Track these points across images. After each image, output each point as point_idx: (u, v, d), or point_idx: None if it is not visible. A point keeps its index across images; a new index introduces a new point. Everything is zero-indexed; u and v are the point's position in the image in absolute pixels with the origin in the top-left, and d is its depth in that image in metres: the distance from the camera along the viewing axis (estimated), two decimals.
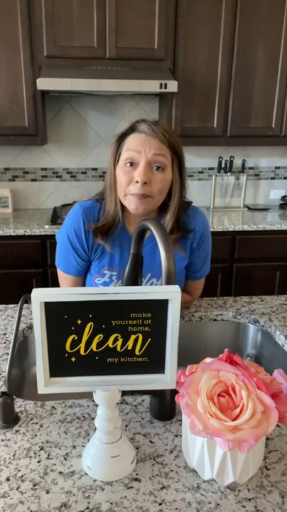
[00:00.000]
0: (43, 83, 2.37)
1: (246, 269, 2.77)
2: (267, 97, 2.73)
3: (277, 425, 0.89)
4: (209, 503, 0.72)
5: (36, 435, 0.86)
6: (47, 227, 2.54)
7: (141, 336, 0.70)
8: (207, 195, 3.13)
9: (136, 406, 0.95)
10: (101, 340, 0.70)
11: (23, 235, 2.51)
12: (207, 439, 0.70)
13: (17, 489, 0.74)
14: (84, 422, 0.90)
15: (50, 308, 0.67)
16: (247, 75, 2.68)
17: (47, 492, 0.73)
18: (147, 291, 0.68)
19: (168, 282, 0.82)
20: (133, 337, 0.70)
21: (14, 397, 0.94)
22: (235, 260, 2.76)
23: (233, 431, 0.66)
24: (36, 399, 0.97)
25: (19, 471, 0.78)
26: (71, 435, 0.86)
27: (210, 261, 1.40)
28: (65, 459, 0.80)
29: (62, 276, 1.34)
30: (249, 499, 0.73)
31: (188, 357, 1.12)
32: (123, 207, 1.22)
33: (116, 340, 0.70)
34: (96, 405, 0.90)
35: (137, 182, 1.12)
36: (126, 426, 0.89)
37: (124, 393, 0.99)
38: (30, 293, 0.67)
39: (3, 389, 0.98)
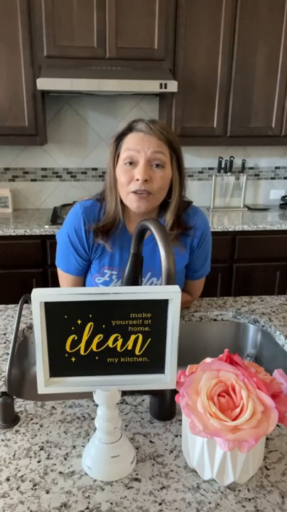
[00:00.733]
0: (43, 83, 2.37)
1: (246, 269, 2.77)
2: (267, 97, 2.73)
3: (277, 425, 0.89)
4: (209, 503, 0.72)
5: (36, 435, 0.86)
6: (47, 227, 2.54)
7: (141, 336, 0.70)
8: (207, 195, 3.13)
9: (136, 406, 0.95)
10: (101, 340, 0.70)
11: (23, 235, 2.51)
12: (207, 439, 0.70)
13: (17, 489, 0.74)
14: (84, 422, 0.90)
15: (50, 308, 0.67)
16: (247, 75, 2.68)
17: (47, 492, 0.73)
18: (147, 291, 0.68)
19: (168, 282, 0.82)
20: (133, 337, 0.70)
21: (14, 397, 0.94)
22: (235, 260, 2.76)
23: (233, 431, 0.66)
24: (36, 399, 0.97)
25: (19, 471, 0.78)
26: (71, 435, 0.86)
27: (210, 261, 1.40)
28: (65, 459, 0.80)
29: (62, 275, 1.35)
30: (249, 499, 0.73)
31: (188, 357, 1.12)
32: (123, 207, 1.22)
33: (116, 340, 0.70)
34: (96, 405, 0.90)
35: (137, 180, 1.13)
36: (126, 426, 0.89)
37: (124, 393, 0.99)
38: (30, 293, 0.67)
39: (3, 389, 0.98)
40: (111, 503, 0.71)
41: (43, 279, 2.60)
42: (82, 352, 0.70)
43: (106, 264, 1.27)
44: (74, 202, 2.90)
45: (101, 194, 1.27)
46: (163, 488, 0.74)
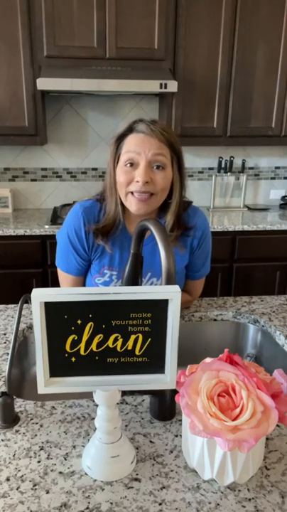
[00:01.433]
0: (43, 83, 2.37)
1: (246, 269, 2.77)
2: (267, 97, 2.73)
3: (277, 425, 0.89)
4: (209, 503, 0.72)
5: (36, 435, 0.86)
6: (47, 227, 2.54)
7: (141, 336, 0.70)
8: (207, 195, 3.13)
9: (136, 406, 0.95)
10: (101, 340, 0.70)
11: (23, 235, 2.51)
12: (207, 439, 0.70)
13: (17, 489, 0.74)
14: (84, 422, 0.90)
15: (50, 308, 0.67)
16: (247, 75, 2.68)
17: (47, 492, 0.73)
18: (147, 291, 0.68)
19: (168, 282, 0.82)
20: (133, 337, 0.70)
21: (14, 397, 0.94)
22: (235, 260, 2.76)
23: (233, 431, 0.66)
24: (36, 399, 0.97)
25: (19, 471, 0.78)
26: (71, 435, 0.86)
27: (210, 261, 1.40)
28: (65, 459, 0.80)
29: (62, 275, 1.35)
30: (249, 499, 0.73)
31: (188, 357, 1.12)
32: (123, 207, 1.22)
33: (116, 340, 0.70)
34: (96, 405, 0.90)
35: (138, 182, 1.12)
36: (126, 426, 0.89)
37: (124, 393, 0.99)
38: (30, 293, 0.67)
39: (3, 389, 0.98)
40: (111, 503, 0.71)
41: (43, 279, 2.60)
42: (82, 352, 0.70)
43: (106, 264, 1.27)
44: (74, 202, 2.89)
45: (101, 194, 1.27)
46: (163, 488, 0.74)
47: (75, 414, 0.92)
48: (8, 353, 1.14)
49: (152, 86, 2.43)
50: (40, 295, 0.66)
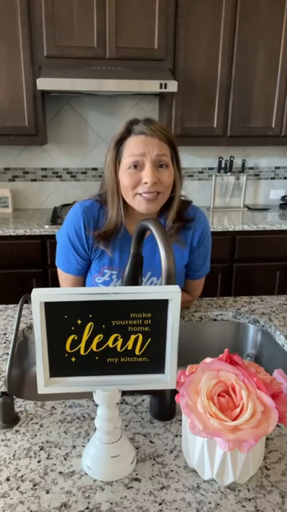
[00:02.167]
0: (43, 83, 2.37)
1: (246, 269, 2.77)
2: (267, 97, 2.73)
3: (277, 425, 0.89)
4: (209, 503, 0.72)
5: (36, 435, 0.86)
6: (47, 227, 2.54)
7: (141, 336, 0.70)
8: (207, 195, 3.13)
9: (136, 406, 0.95)
10: (101, 340, 0.70)
11: (23, 235, 2.51)
12: (207, 439, 0.70)
13: (17, 489, 0.74)
14: (84, 422, 0.90)
15: (50, 308, 0.67)
16: (247, 75, 2.68)
17: (47, 492, 0.73)
18: (147, 291, 0.68)
19: (168, 282, 0.82)
20: (133, 337, 0.70)
21: (14, 397, 0.94)
22: (235, 260, 2.76)
23: (233, 431, 0.66)
24: (36, 399, 0.97)
25: (19, 471, 0.78)
26: (71, 435, 0.86)
27: (210, 261, 1.40)
28: (65, 459, 0.80)
29: (62, 275, 1.35)
30: (249, 499, 0.73)
31: (188, 357, 1.12)
32: (126, 211, 1.22)
33: (116, 340, 0.70)
34: (96, 405, 0.90)
35: (146, 183, 1.13)
36: (126, 426, 0.89)
37: (124, 393, 0.99)
38: (30, 293, 0.67)
39: (3, 389, 0.98)
40: (111, 503, 0.71)
41: (43, 279, 2.60)
42: (82, 352, 0.70)
43: (106, 264, 1.27)
44: (74, 202, 2.90)
45: (101, 194, 1.27)
46: (163, 488, 0.74)
47: (75, 414, 0.92)
48: (8, 353, 1.14)
49: (152, 86, 2.43)
50: (40, 295, 0.66)
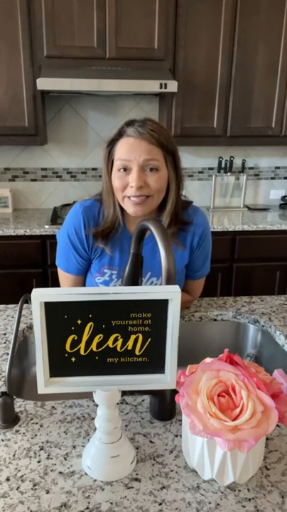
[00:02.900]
0: (43, 83, 2.37)
1: (246, 269, 2.77)
2: (267, 97, 2.73)
3: (277, 425, 0.89)
4: (209, 503, 0.72)
5: (36, 435, 0.86)
6: (47, 227, 2.54)
7: (141, 336, 0.70)
8: (207, 195, 3.13)
9: (136, 406, 0.95)
10: (101, 340, 0.70)
11: (23, 235, 2.51)
12: (207, 439, 0.70)
13: (17, 489, 0.74)
14: (84, 422, 0.90)
15: (50, 308, 0.67)
16: (247, 75, 2.68)
17: (47, 492, 0.73)
18: (147, 291, 0.68)
19: (168, 282, 0.82)
20: (133, 337, 0.70)
21: (14, 397, 0.94)
22: (235, 260, 2.76)
23: (233, 431, 0.66)
24: (36, 399, 0.97)
25: (19, 471, 0.78)
26: (71, 435, 0.86)
27: (210, 261, 1.40)
28: (65, 459, 0.80)
29: (62, 275, 1.35)
30: (249, 499, 0.73)
31: (188, 357, 1.12)
32: (122, 209, 1.23)
33: (116, 340, 0.70)
34: (96, 405, 0.90)
35: (132, 187, 1.13)
36: (126, 426, 0.89)
37: (124, 393, 0.99)
38: (30, 293, 0.67)
39: (3, 389, 0.98)
40: (111, 503, 0.71)
41: (43, 279, 2.60)
42: (82, 352, 0.70)
43: (106, 263, 1.27)
44: (74, 202, 2.90)
45: (101, 194, 1.27)
46: (163, 488, 0.74)
47: (75, 414, 0.92)
48: (8, 353, 1.14)
49: (152, 86, 2.43)
50: (40, 295, 0.66)
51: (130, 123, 1.16)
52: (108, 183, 1.20)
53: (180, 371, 0.77)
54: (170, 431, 0.88)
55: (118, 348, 0.71)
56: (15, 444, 0.84)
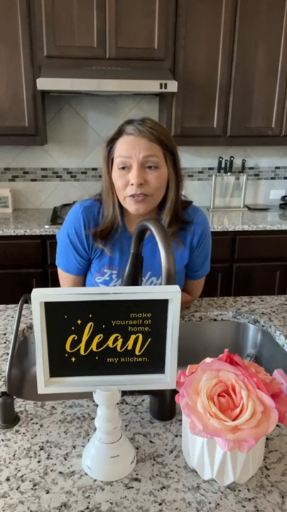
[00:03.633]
0: (43, 83, 2.37)
1: (246, 269, 2.77)
2: (267, 97, 2.73)
3: (277, 425, 0.89)
4: (209, 503, 0.72)
5: (36, 435, 0.86)
6: (47, 227, 2.54)
7: (141, 336, 0.70)
8: (207, 195, 3.13)
9: (136, 406, 0.95)
10: (101, 340, 0.70)
11: (23, 235, 2.51)
12: (207, 439, 0.70)
13: (17, 489, 0.74)
14: (84, 422, 0.90)
15: (50, 308, 0.67)
16: (247, 75, 2.68)
17: (47, 492, 0.73)
18: (147, 291, 0.68)
19: (168, 282, 0.82)
20: (133, 337, 0.70)
21: (14, 397, 0.94)
22: (235, 260, 2.76)
23: (233, 431, 0.66)
24: (36, 399, 0.97)
25: (19, 471, 0.78)
26: (71, 435, 0.86)
27: (210, 261, 1.40)
28: (65, 459, 0.80)
29: (62, 275, 1.35)
30: (249, 499, 0.73)
31: (188, 357, 1.12)
32: (122, 209, 1.23)
33: (116, 340, 0.70)
34: (96, 405, 0.90)
35: (132, 185, 1.13)
36: (126, 426, 0.89)
37: (124, 393, 0.99)
38: (30, 293, 0.67)
39: (3, 389, 0.98)
40: (111, 503, 0.71)
41: (43, 279, 2.60)
42: (82, 352, 0.70)
43: (106, 263, 1.27)
44: (74, 202, 2.90)
45: (101, 194, 1.27)
46: (163, 488, 0.74)
47: (75, 414, 0.92)
48: (8, 353, 1.14)
49: (152, 86, 2.43)
50: (40, 295, 0.66)
51: (129, 122, 1.16)
52: (108, 182, 1.20)
53: (180, 371, 0.77)
54: (170, 431, 0.88)
55: (118, 348, 0.71)
56: (15, 444, 0.84)
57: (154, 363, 0.72)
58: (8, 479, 0.76)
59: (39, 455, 0.81)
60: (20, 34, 2.43)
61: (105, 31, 2.46)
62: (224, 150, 3.08)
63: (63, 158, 3.01)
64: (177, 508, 0.71)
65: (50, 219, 2.71)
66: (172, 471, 0.78)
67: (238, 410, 0.69)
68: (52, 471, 0.78)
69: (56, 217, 2.73)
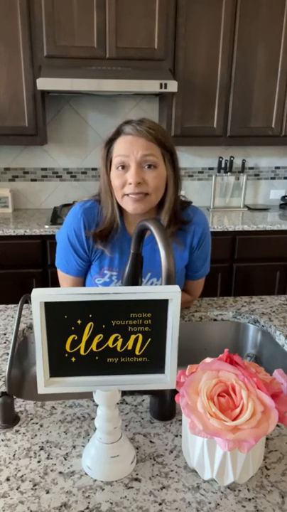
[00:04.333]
0: (43, 83, 2.37)
1: (246, 269, 2.77)
2: (267, 97, 2.74)
3: (277, 425, 0.89)
4: (209, 503, 0.72)
5: (36, 435, 0.86)
6: (47, 227, 2.54)
7: (141, 336, 0.70)
8: (207, 195, 3.13)
9: (136, 406, 0.95)
10: (101, 340, 0.70)
11: (23, 235, 2.51)
12: (207, 439, 0.70)
13: (17, 489, 0.74)
14: (84, 422, 0.90)
15: (50, 308, 0.67)
16: (247, 75, 2.68)
17: (47, 492, 0.73)
18: (147, 291, 0.68)
19: (168, 282, 0.82)
20: (133, 337, 0.70)
21: (14, 397, 0.94)
22: (235, 260, 2.76)
23: (233, 431, 0.66)
24: (36, 399, 0.97)
25: (19, 471, 0.78)
26: (71, 435, 0.86)
27: (210, 261, 1.40)
28: (65, 459, 0.80)
29: (62, 276, 1.35)
30: (249, 499, 0.73)
31: (188, 357, 1.12)
32: (120, 209, 1.23)
33: (116, 340, 0.70)
34: (96, 405, 0.90)
35: (130, 184, 1.13)
36: (126, 426, 0.89)
37: (124, 393, 0.99)
38: (30, 293, 0.67)
39: (3, 389, 0.98)
40: (111, 503, 0.71)
41: (43, 279, 2.60)
42: (82, 352, 0.70)
43: (106, 265, 1.27)
44: (74, 202, 2.90)
45: (99, 194, 1.27)
46: (163, 488, 0.74)
47: (75, 414, 0.92)
48: (8, 353, 1.14)
49: (152, 86, 2.43)
50: (40, 295, 0.66)
51: (127, 122, 1.17)
52: (106, 182, 1.20)
53: (180, 371, 0.77)
54: (170, 431, 0.88)
55: (118, 348, 0.71)
56: (15, 444, 0.84)
57: (154, 363, 0.72)
58: (8, 479, 0.76)
59: (39, 455, 0.81)
60: (20, 34, 2.43)
61: (105, 31, 2.46)
62: (224, 150, 3.08)
63: (63, 158, 3.01)
64: (177, 508, 0.71)
65: (50, 219, 2.71)
66: (172, 471, 0.78)
67: (238, 410, 0.69)
68: (52, 471, 0.78)
69: (56, 217, 2.73)
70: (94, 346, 0.70)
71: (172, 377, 0.73)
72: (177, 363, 0.73)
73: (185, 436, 0.78)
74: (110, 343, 0.70)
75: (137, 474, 0.77)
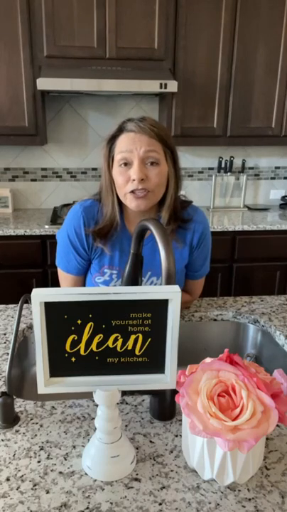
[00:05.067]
0: (43, 83, 2.37)
1: (246, 269, 2.77)
2: (267, 97, 2.74)
3: (277, 425, 0.89)
4: (209, 503, 0.72)
5: (36, 435, 0.86)
6: (47, 227, 2.54)
7: (141, 336, 0.70)
8: (207, 195, 3.13)
9: (136, 406, 0.95)
10: (101, 340, 0.70)
11: (23, 235, 2.51)
12: (207, 439, 0.70)
13: (17, 489, 0.74)
14: (84, 422, 0.90)
15: (50, 308, 0.67)
16: (247, 75, 2.68)
17: (47, 492, 0.73)
18: (147, 291, 0.68)
19: (168, 282, 0.82)
20: (133, 337, 0.70)
21: (14, 397, 0.94)
22: (235, 260, 2.76)
23: (233, 431, 0.66)
24: (36, 399, 0.97)
25: (19, 471, 0.78)
26: (71, 435, 0.86)
27: (210, 261, 1.40)
28: (65, 459, 0.80)
29: (62, 275, 1.35)
30: (249, 499, 0.73)
31: (188, 357, 1.12)
32: (121, 207, 1.23)
33: (116, 340, 0.70)
34: (96, 405, 0.90)
35: (134, 180, 1.13)
36: (126, 426, 0.89)
37: (124, 393, 0.99)
38: (30, 293, 0.67)
39: (3, 389, 0.98)
40: (111, 503, 0.71)
41: (43, 279, 2.60)
42: (82, 352, 0.70)
43: (106, 263, 1.27)
44: (74, 202, 2.89)
45: (100, 193, 1.27)
46: (163, 488, 0.74)
47: (75, 414, 0.92)
48: (8, 353, 1.14)
49: (152, 86, 2.43)
50: (40, 295, 0.66)
51: (129, 120, 1.17)
52: (108, 180, 1.20)
53: (180, 371, 0.77)
54: (170, 431, 0.88)
55: (118, 348, 0.71)
56: (15, 444, 0.84)
57: (154, 362, 0.72)
58: (8, 479, 0.76)
59: (39, 455, 0.81)
60: (20, 34, 2.43)
61: (105, 31, 2.46)
62: (224, 150, 3.08)
63: (63, 158, 3.00)
64: (177, 508, 0.71)
65: (50, 219, 2.71)
66: (172, 471, 0.78)
67: (238, 410, 0.69)
68: (52, 471, 0.78)
69: (56, 217, 2.73)
70: (94, 346, 0.70)
71: (172, 377, 0.73)
72: (177, 363, 0.73)
73: (185, 436, 0.78)
74: (110, 343, 0.70)
75: (137, 474, 0.77)
